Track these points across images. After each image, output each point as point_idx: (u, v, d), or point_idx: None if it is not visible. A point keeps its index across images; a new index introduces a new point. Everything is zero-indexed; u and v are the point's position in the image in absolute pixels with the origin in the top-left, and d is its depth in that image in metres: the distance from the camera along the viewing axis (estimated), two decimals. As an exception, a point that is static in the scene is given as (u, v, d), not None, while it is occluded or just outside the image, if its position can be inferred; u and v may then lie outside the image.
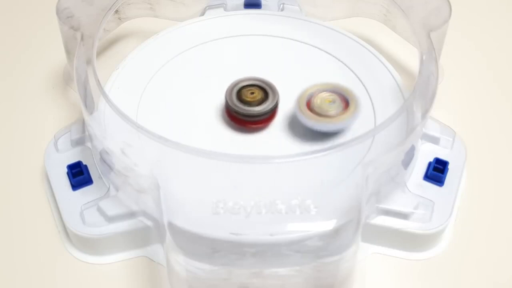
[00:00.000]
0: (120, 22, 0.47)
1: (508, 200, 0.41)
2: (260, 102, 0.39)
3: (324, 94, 0.39)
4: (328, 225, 0.33)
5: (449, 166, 0.40)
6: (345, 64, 0.44)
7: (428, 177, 0.39)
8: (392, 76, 0.43)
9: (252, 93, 0.39)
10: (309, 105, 0.39)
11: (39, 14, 0.52)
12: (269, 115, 0.40)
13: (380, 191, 0.37)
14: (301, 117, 0.39)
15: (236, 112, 0.39)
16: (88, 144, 0.40)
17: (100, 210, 0.37)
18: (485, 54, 0.49)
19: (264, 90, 0.40)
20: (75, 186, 0.39)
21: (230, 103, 0.39)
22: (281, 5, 0.48)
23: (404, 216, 0.37)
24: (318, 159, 0.34)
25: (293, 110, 0.39)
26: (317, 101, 0.39)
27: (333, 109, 0.39)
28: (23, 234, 0.39)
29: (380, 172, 0.35)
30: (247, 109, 0.39)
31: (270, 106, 0.39)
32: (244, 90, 0.40)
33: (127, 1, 0.45)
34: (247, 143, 0.40)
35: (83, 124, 0.41)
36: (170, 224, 0.33)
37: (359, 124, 0.40)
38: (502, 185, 0.42)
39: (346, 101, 0.39)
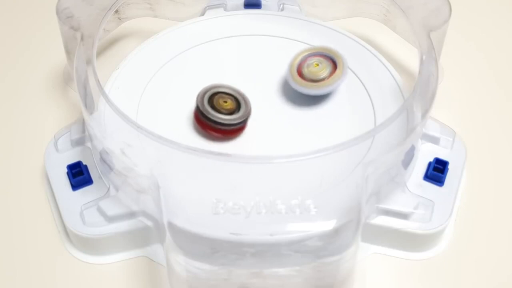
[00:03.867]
0: (120, 22, 0.47)
1: (508, 200, 0.41)
2: (231, 112, 0.39)
3: (312, 60, 0.40)
4: (328, 225, 0.33)
5: (449, 166, 0.40)
6: (345, 64, 0.44)
7: (428, 177, 0.39)
8: (392, 76, 0.43)
9: (225, 101, 0.39)
10: (300, 73, 0.40)
11: (39, 14, 0.52)
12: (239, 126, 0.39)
13: (380, 191, 0.37)
14: (295, 85, 0.40)
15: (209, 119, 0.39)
16: (88, 144, 0.40)
17: (100, 210, 0.37)
18: (485, 54, 0.49)
19: (237, 100, 0.40)
20: (75, 186, 0.39)
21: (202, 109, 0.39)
22: (281, 5, 0.48)
23: (404, 216, 0.37)
24: (318, 159, 0.34)
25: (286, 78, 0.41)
26: (306, 68, 0.40)
27: (323, 72, 0.40)
28: (23, 234, 0.39)
29: (380, 172, 0.35)
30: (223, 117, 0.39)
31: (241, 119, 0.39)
32: (217, 98, 0.39)
33: (127, 1, 0.45)
34: (246, 141, 0.40)
35: (83, 124, 0.41)
36: (170, 224, 0.33)
37: (359, 124, 0.40)
38: (502, 185, 0.42)
39: (333, 62, 0.41)
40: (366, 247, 0.38)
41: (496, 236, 0.39)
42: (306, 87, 0.40)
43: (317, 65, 0.40)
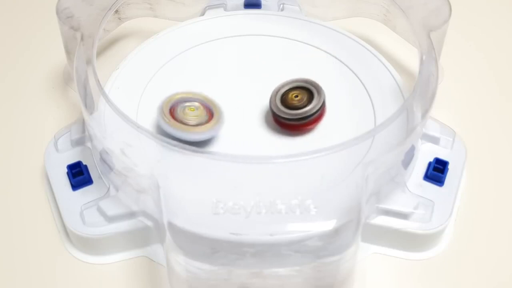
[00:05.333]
0: (120, 22, 0.47)
1: (508, 200, 0.41)
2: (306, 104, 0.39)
3: (188, 103, 0.38)
4: (328, 225, 0.33)
5: (449, 166, 0.40)
6: (345, 64, 0.44)
7: (428, 177, 0.39)
8: (392, 76, 0.43)
9: (297, 96, 0.39)
10: (172, 113, 0.38)
11: (39, 14, 0.52)
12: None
13: (380, 191, 0.37)
14: (164, 125, 0.38)
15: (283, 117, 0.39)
16: (88, 144, 0.40)
17: (100, 210, 0.37)
18: (485, 54, 0.49)
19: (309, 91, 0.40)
20: (75, 186, 0.39)
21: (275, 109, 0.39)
22: (281, 5, 0.48)
23: (404, 216, 0.37)
24: (318, 159, 0.34)
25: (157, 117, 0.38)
26: (180, 110, 0.38)
27: (195, 119, 0.38)
28: (23, 234, 0.39)
29: (380, 172, 0.35)
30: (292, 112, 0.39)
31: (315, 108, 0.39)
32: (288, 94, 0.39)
33: (127, 1, 0.45)
34: (245, 141, 0.40)
35: (83, 124, 0.41)
36: (170, 224, 0.33)
37: (359, 124, 0.40)
38: (502, 185, 0.42)
39: (210, 112, 0.38)
40: (366, 247, 0.38)
41: (496, 236, 0.39)
42: (174, 128, 0.37)
43: (192, 110, 0.38)
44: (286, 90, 0.40)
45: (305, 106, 0.39)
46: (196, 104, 0.38)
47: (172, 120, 0.37)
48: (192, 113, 0.38)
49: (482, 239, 0.39)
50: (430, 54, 0.39)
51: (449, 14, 0.41)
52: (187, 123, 0.38)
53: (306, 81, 0.40)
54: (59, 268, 0.38)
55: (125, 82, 0.42)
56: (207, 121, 0.38)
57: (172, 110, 0.38)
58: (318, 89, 0.39)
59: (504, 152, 0.43)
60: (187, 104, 0.38)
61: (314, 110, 0.39)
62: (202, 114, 0.38)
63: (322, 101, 0.39)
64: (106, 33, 0.46)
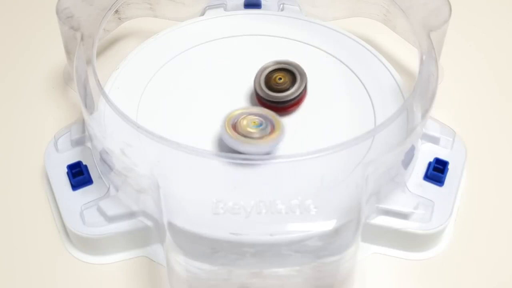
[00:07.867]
0: (120, 22, 0.47)
1: (508, 200, 0.41)
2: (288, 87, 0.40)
3: (251, 117, 0.38)
4: (328, 225, 0.33)
5: (449, 166, 0.40)
6: (345, 64, 0.44)
7: (428, 177, 0.39)
8: (392, 76, 0.43)
9: (280, 78, 0.40)
10: (235, 127, 0.38)
11: (39, 14, 0.52)
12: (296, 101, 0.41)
13: (380, 191, 0.37)
14: (226, 137, 0.38)
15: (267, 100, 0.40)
16: (88, 144, 0.40)
17: (100, 210, 0.37)
18: (485, 54, 0.49)
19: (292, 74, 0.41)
20: (75, 186, 0.39)
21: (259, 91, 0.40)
22: (281, 5, 0.48)
23: (404, 216, 0.37)
24: (318, 159, 0.34)
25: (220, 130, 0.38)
26: (243, 123, 0.38)
27: (258, 132, 0.37)
28: (23, 234, 0.39)
29: (380, 172, 0.35)
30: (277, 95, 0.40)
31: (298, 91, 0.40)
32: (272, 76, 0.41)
33: (127, 1, 0.45)
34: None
35: (83, 124, 0.41)
36: (170, 224, 0.33)
37: (359, 124, 0.40)
38: (502, 185, 0.42)
39: (272, 125, 0.38)
40: (366, 247, 0.38)
41: (496, 236, 0.39)
42: (237, 141, 0.37)
43: (255, 123, 0.38)
44: (271, 71, 0.41)
45: (287, 90, 0.40)
46: (258, 118, 0.39)
47: (234, 133, 0.37)
48: (254, 127, 0.38)
49: (482, 239, 0.39)
50: (430, 54, 0.39)
51: (449, 14, 0.41)
52: (249, 136, 0.37)
53: (290, 64, 0.41)
54: (59, 268, 0.38)
55: (125, 82, 0.42)
56: (269, 135, 0.38)
57: (235, 124, 0.38)
58: (302, 73, 0.41)
59: (504, 152, 0.43)
60: (250, 118, 0.38)
61: (296, 95, 0.40)
62: (264, 127, 0.38)
63: (304, 85, 0.41)
64: (106, 33, 0.46)
